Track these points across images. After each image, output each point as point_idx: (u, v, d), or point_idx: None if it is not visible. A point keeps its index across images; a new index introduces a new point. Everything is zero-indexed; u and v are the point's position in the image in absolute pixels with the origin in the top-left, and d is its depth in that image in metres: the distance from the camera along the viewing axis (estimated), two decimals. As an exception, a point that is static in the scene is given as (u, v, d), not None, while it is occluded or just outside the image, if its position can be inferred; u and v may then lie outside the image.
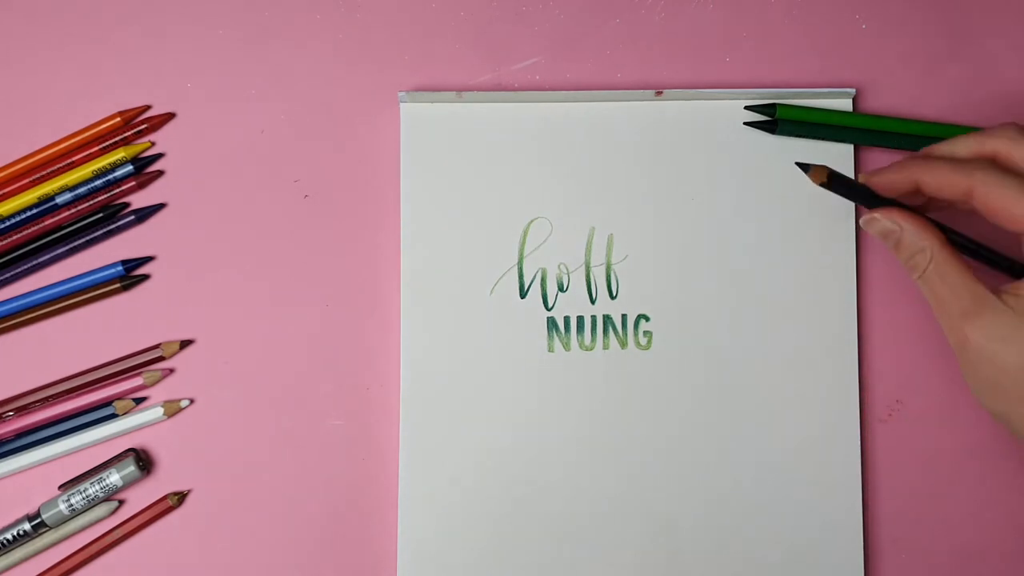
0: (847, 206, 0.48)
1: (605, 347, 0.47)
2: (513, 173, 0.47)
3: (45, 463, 0.46)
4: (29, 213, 0.47)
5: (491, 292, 0.47)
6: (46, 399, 0.46)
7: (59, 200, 0.47)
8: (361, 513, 0.47)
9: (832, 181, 0.41)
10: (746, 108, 0.48)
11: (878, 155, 0.49)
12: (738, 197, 0.48)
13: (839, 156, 0.48)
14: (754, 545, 0.47)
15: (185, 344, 0.47)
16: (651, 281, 0.47)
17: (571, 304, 0.47)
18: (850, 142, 0.48)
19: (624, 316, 0.47)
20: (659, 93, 0.47)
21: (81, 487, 0.45)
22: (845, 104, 0.48)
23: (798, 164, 0.42)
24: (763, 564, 0.47)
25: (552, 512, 0.46)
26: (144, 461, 0.46)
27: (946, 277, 0.39)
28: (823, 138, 0.47)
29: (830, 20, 0.49)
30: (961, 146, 0.40)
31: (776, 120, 0.47)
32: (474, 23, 0.49)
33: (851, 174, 0.48)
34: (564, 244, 0.47)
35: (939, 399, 0.49)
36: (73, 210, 0.47)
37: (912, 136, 0.48)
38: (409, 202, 0.47)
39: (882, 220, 0.40)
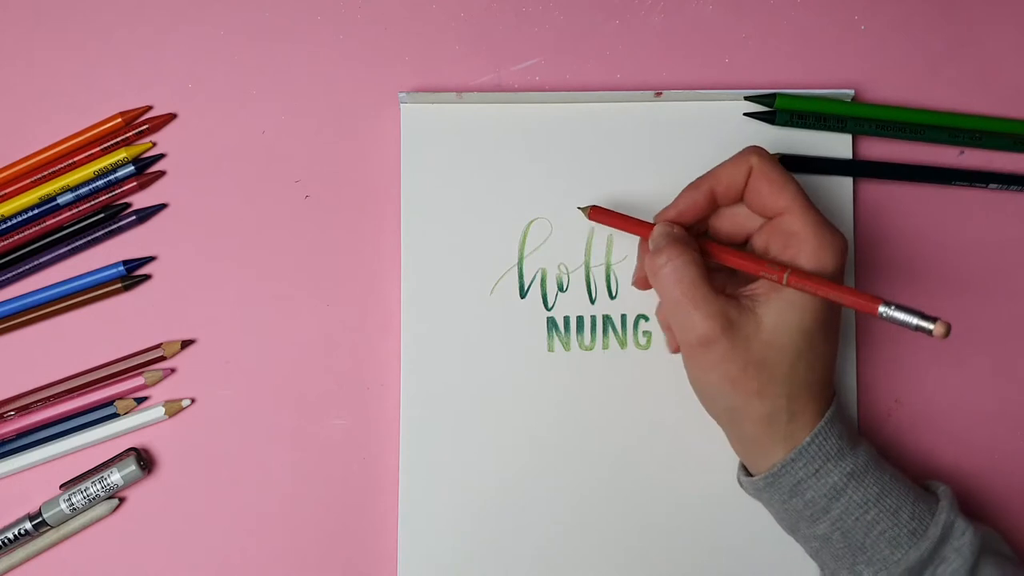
0: (847, 206, 0.48)
1: (605, 347, 0.47)
2: (513, 173, 0.47)
3: (46, 462, 0.47)
4: (31, 213, 0.47)
5: (491, 292, 0.47)
6: (47, 399, 0.46)
7: (60, 200, 0.47)
8: (361, 512, 0.47)
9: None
10: (746, 99, 0.48)
11: (877, 145, 0.49)
12: (738, 197, 0.48)
13: (838, 147, 0.48)
14: (754, 544, 0.47)
15: (186, 344, 0.47)
16: (651, 281, 0.47)
17: (571, 304, 0.47)
18: (849, 132, 0.48)
19: (624, 316, 0.47)
20: (659, 94, 0.47)
21: (82, 486, 0.45)
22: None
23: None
24: (764, 563, 0.47)
25: (552, 511, 0.47)
26: (145, 460, 0.47)
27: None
28: (822, 128, 0.48)
29: (829, 21, 0.49)
30: (725, 166, 0.43)
31: (775, 111, 0.47)
32: (474, 24, 0.49)
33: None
34: (564, 244, 0.47)
35: (938, 399, 0.49)
36: (74, 210, 0.47)
37: (910, 125, 0.48)
38: (409, 202, 0.47)
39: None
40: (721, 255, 0.42)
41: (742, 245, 0.44)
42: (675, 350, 0.45)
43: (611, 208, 0.45)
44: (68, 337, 0.47)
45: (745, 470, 0.45)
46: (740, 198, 0.43)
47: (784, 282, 0.40)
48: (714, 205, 0.43)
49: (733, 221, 0.43)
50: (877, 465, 0.42)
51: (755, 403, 0.40)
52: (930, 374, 0.49)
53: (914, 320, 0.36)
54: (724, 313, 0.40)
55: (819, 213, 0.41)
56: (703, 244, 0.42)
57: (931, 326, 0.36)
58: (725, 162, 0.42)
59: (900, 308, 0.37)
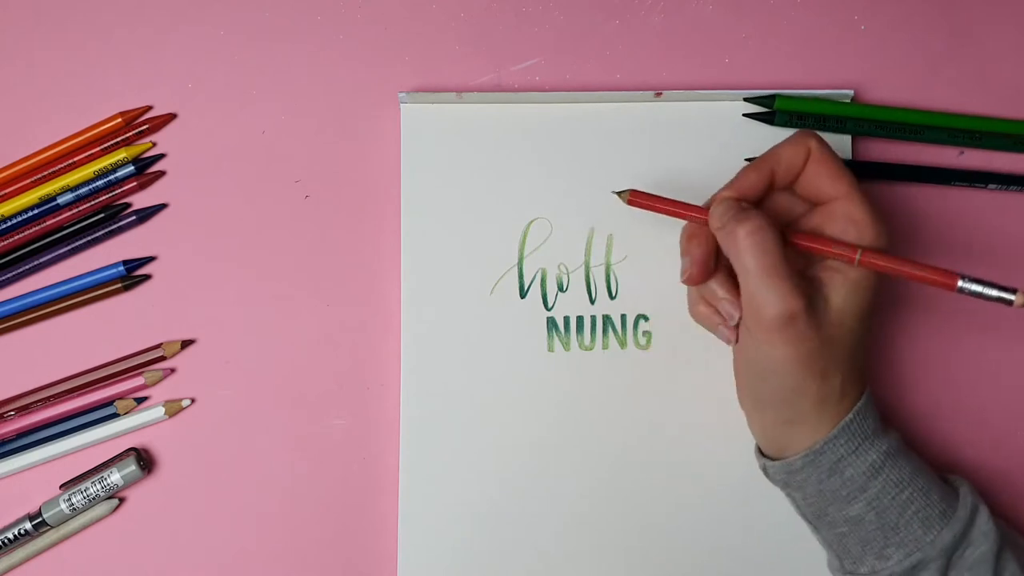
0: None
1: (605, 347, 0.47)
2: (513, 173, 0.47)
3: (46, 462, 0.47)
4: (31, 213, 0.47)
5: (491, 292, 0.47)
6: (47, 399, 0.46)
7: (61, 200, 0.47)
8: (361, 512, 0.47)
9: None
10: (745, 99, 0.48)
11: (876, 145, 0.49)
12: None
13: (838, 147, 0.48)
14: (754, 543, 0.47)
15: (186, 344, 0.47)
16: (651, 281, 0.47)
17: (571, 304, 0.47)
18: (849, 133, 0.48)
19: (623, 316, 0.47)
20: (659, 94, 0.47)
21: (82, 486, 0.45)
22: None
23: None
24: (763, 562, 0.47)
25: (551, 511, 0.47)
26: (145, 461, 0.47)
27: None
28: (822, 129, 0.48)
29: (829, 21, 0.49)
30: (784, 148, 0.42)
31: (775, 111, 0.47)
32: (474, 24, 0.49)
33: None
34: (564, 244, 0.47)
35: (940, 398, 0.49)
36: (75, 210, 0.47)
37: (910, 126, 0.48)
38: (409, 202, 0.47)
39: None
40: (790, 236, 0.41)
41: None
42: (734, 340, 0.43)
43: (609, 209, 0.45)
44: (68, 337, 0.47)
45: (763, 456, 0.44)
46: (795, 181, 0.42)
47: (857, 261, 0.40)
48: (770, 187, 0.42)
49: (778, 206, 0.43)
50: (906, 446, 0.43)
51: (816, 384, 0.40)
52: (932, 373, 0.49)
53: (994, 292, 0.37)
54: (804, 290, 0.39)
55: (870, 199, 0.41)
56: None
57: (1012, 296, 0.37)
58: (783, 143, 0.42)
59: (978, 281, 0.37)
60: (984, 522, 0.41)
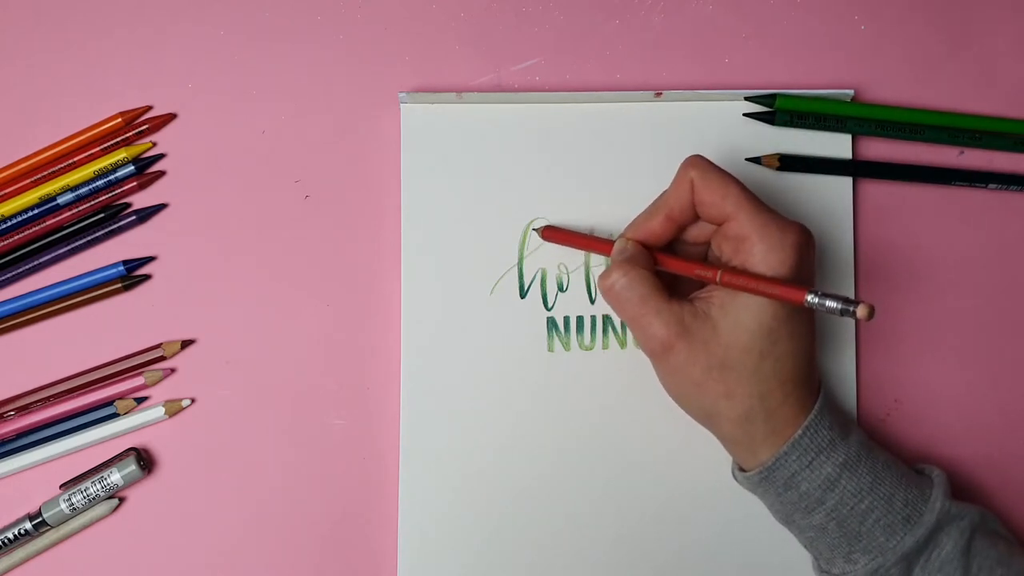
0: (846, 206, 0.48)
1: (605, 347, 0.47)
2: (513, 173, 0.47)
3: (46, 462, 0.47)
4: (31, 213, 0.47)
5: (491, 292, 0.47)
6: (47, 399, 0.46)
7: (60, 200, 0.47)
8: (361, 512, 0.47)
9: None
10: (746, 99, 0.48)
11: (877, 145, 0.49)
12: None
13: (838, 147, 0.48)
14: (754, 543, 0.47)
15: (186, 344, 0.47)
16: (651, 281, 0.47)
17: (571, 304, 0.47)
18: (849, 132, 0.48)
19: (624, 316, 0.47)
20: (659, 94, 0.47)
21: (82, 486, 0.45)
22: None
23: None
24: (763, 562, 0.47)
25: (551, 511, 0.47)
26: (145, 460, 0.47)
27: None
28: (822, 128, 0.48)
29: (829, 21, 0.49)
30: (670, 189, 0.42)
31: (775, 111, 0.47)
32: (474, 24, 0.49)
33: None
34: (564, 244, 0.47)
35: (938, 399, 0.49)
36: (75, 210, 0.47)
37: (910, 125, 0.48)
38: (409, 202, 0.47)
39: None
40: (663, 261, 0.42)
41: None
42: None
43: (609, 209, 0.45)
44: (68, 337, 0.47)
45: (739, 465, 0.45)
46: (695, 214, 0.42)
47: (718, 281, 0.40)
48: (678, 225, 0.43)
49: (702, 229, 0.43)
50: (869, 453, 0.42)
51: (726, 404, 0.40)
52: (930, 374, 0.49)
53: (839, 305, 0.37)
54: (679, 320, 0.40)
55: (766, 212, 0.40)
56: (653, 253, 0.43)
57: (853, 309, 0.37)
58: (671, 184, 0.42)
59: (826, 295, 0.38)
60: (952, 523, 0.41)
